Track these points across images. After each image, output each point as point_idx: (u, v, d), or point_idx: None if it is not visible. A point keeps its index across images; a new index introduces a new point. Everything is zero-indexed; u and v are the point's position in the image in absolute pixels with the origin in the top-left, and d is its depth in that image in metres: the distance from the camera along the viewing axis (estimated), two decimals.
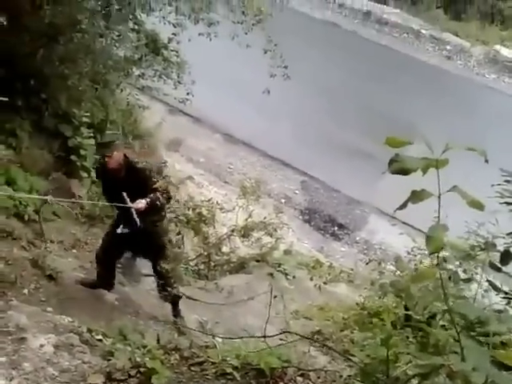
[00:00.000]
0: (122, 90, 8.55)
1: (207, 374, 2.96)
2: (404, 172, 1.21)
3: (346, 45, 15.03)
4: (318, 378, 3.06)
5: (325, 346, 4.16)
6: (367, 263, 7.68)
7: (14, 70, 6.76)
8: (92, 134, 7.15)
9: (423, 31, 17.34)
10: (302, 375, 2.96)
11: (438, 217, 1.30)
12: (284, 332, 2.98)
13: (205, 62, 10.54)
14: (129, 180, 4.71)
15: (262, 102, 10.28)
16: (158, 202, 4.64)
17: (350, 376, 3.05)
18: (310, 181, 11.99)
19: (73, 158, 7.00)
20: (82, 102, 7.39)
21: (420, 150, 1.31)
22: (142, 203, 4.52)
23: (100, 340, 3.49)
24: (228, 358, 2.99)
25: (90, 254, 5.79)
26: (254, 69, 8.97)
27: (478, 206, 1.26)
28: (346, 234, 11.26)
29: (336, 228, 11.27)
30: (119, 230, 4.79)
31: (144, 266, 6.47)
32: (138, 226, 4.51)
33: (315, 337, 6.06)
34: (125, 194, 4.54)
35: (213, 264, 8.14)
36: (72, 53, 7.07)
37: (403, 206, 1.30)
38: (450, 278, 2.47)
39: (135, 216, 4.47)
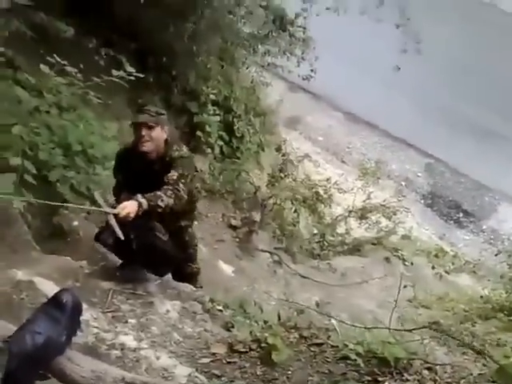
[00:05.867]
0: (247, 68, 8.64)
1: (327, 357, 2.89)
2: None
3: (483, 19, 13.72)
4: (445, 372, 2.85)
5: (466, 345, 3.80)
6: (496, 254, 7.09)
7: (146, 45, 7.06)
8: (217, 112, 7.32)
9: None
10: (428, 369, 2.77)
11: None
12: (419, 328, 2.78)
13: (331, 38, 10.25)
14: (156, 173, 3.34)
15: (388, 79, 9.83)
16: (159, 203, 3.09)
17: (481, 374, 2.81)
18: (435, 163, 11.35)
19: (198, 133, 7.22)
20: (209, 79, 7.58)
21: None
22: (128, 207, 2.99)
23: (220, 310, 3.57)
24: (350, 344, 2.90)
25: (210, 227, 5.94)
26: (383, 44, 8.56)
27: None
28: (472, 221, 10.55)
29: (461, 215, 10.60)
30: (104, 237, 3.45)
31: (260, 240, 6.58)
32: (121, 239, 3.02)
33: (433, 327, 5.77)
34: (97, 194, 3.24)
35: (326, 244, 8.06)
36: (201, 29, 7.23)
37: None
38: None
39: (114, 225, 2.99)
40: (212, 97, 7.42)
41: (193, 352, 2.89)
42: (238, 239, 5.89)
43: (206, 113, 7.44)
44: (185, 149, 3.61)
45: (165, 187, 3.21)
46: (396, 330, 2.75)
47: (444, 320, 5.76)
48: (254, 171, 7.51)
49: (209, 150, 7.23)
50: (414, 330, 2.78)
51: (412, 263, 7.55)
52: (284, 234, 7.22)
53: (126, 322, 3.10)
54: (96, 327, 2.91)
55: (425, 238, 9.54)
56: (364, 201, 8.41)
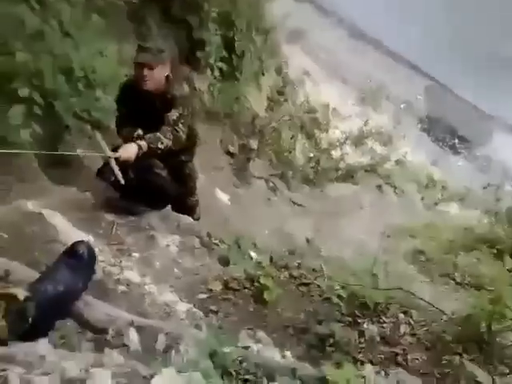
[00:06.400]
0: None
1: (313, 297, 3.18)
2: None
3: None
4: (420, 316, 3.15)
5: None
6: (485, 188, 7.29)
7: None
8: (218, 32, 7.09)
9: None
10: (404, 312, 3.07)
11: None
12: (397, 288, 3.02)
13: None
14: (157, 110, 3.46)
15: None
16: (159, 145, 3.26)
17: (451, 318, 3.11)
18: (436, 86, 11.20)
19: (198, 54, 7.02)
20: None
21: None
22: (129, 150, 3.16)
23: (217, 244, 3.80)
24: (335, 285, 3.17)
25: (208, 154, 5.94)
26: None
27: None
28: (467, 147, 10.67)
29: (456, 140, 10.68)
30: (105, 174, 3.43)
31: (256, 167, 6.71)
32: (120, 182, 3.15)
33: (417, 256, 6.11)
34: (98, 136, 3.24)
35: (320, 169, 8.15)
36: None
37: None
38: None
39: (115, 168, 3.12)
40: (213, 14, 7.15)
41: (191, 288, 3.15)
42: (234, 166, 6.01)
43: (206, 30, 7.21)
44: (185, 87, 3.66)
45: (164, 128, 3.35)
46: (377, 289, 2.97)
47: (428, 249, 6.06)
48: (252, 94, 7.43)
49: (208, 72, 7.11)
50: (389, 289, 3.02)
51: (403, 191, 7.76)
52: (280, 161, 7.32)
53: (130, 255, 3.32)
54: (102, 261, 3.13)
55: (418, 162, 9.66)
56: (361, 126, 8.44)
